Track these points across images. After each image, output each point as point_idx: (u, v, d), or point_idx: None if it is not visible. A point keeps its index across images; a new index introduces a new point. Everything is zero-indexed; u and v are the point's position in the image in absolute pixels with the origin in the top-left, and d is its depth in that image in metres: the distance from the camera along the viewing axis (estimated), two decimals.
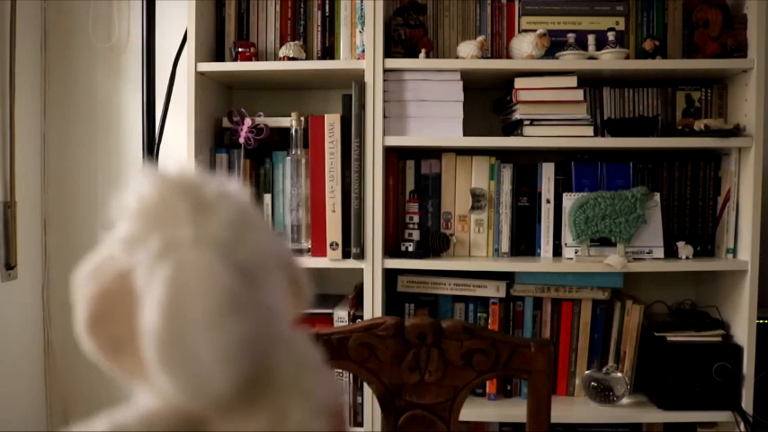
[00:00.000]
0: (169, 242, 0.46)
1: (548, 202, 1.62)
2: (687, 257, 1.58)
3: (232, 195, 0.51)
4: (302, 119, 1.60)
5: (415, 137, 1.55)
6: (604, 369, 1.59)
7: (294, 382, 0.50)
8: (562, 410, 1.53)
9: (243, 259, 0.47)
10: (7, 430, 1.68)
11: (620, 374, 1.58)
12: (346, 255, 1.56)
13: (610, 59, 1.55)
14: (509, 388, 1.66)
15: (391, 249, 1.60)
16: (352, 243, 1.54)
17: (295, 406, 0.49)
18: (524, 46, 1.55)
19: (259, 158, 1.67)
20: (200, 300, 0.44)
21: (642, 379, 1.63)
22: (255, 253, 0.49)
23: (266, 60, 1.67)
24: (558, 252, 1.62)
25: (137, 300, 0.46)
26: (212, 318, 0.44)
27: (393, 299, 1.64)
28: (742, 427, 1.49)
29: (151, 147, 1.63)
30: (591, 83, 1.61)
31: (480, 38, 1.55)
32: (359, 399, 1.59)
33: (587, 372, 1.61)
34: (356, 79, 1.53)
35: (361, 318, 1.54)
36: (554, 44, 1.56)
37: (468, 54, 1.54)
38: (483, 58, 1.55)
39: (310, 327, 1.37)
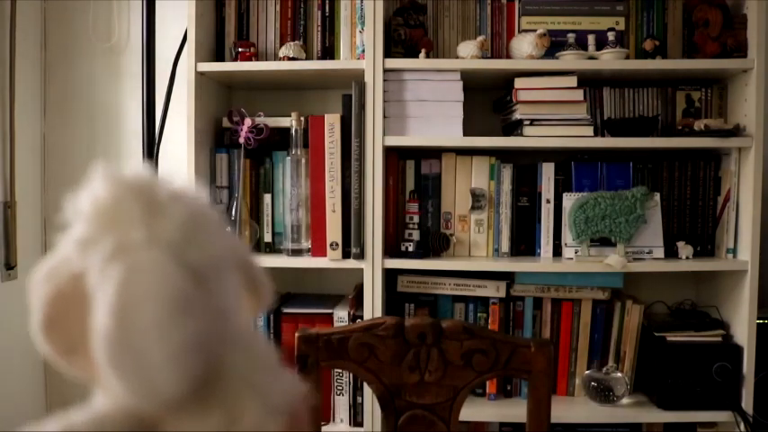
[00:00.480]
0: (121, 244, 0.47)
1: (548, 202, 1.62)
2: (687, 257, 1.58)
3: (186, 197, 0.51)
4: (302, 119, 1.60)
5: (415, 137, 1.55)
6: (604, 369, 1.59)
7: (248, 382, 0.50)
8: (562, 410, 1.53)
9: (195, 260, 0.48)
10: (7, 430, 1.68)
11: (620, 374, 1.58)
12: (346, 255, 1.56)
13: (610, 59, 1.55)
14: (509, 388, 1.66)
15: (391, 249, 1.60)
16: (352, 243, 1.54)
17: (248, 406, 0.49)
18: (524, 46, 1.55)
19: (259, 158, 1.67)
20: (150, 302, 0.45)
21: (642, 379, 1.63)
22: (208, 254, 0.49)
23: (266, 60, 1.67)
24: (558, 252, 1.62)
25: (90, 302, 0.47)
26: (162, 319, 0.45)
27: (393, 299, 1.64)
28: (742, 427, 1.49)
29: (151, 147, 1.62)
30: (591, 83, 1.61)
31: (480, 38, 1.55)
32: (359, 399, 1.59)
33: (587, 372, 1.61)
34: (356, 79, 1.53)
35: (361, 318, 1.54)
36: (554, 44, 1.56)
37: (468, 54, 1.54)
38: (483, 58, 1.55)
39: (310, 327, 1.37)
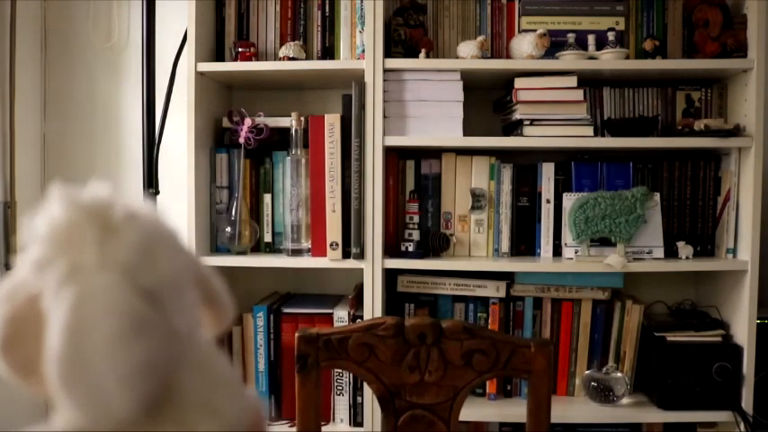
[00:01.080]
0: (74, 266, 0.47)
1: (548, 202, 1.62)
2: (687, 257, 1.58)
3: (142, 218, 0.52)
4: (302, 119, 1.60)
5: (414, 137, 1.55)
6: (604, 369, 1.59)
7: (203, 401, 0.51)
8: (562, 410, 1.53)
9: (148, 281, 0.48)
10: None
11: (620, 374, 1.58)
12: (346, 255, 1.56)
13: (610, 59, 1.55)
14: (509, 388, 1.66)
15: (391, 249, 1.60)
16: (352, 243, 1.54)
17: (203, 425, 0.50)
18: (524, 46, 1.55)
19: (259, 158, 1.67)
20: (101, 324, 0.46)
21: (642, 379, 1.63)
22: (162, 274, 0.50)
23: (266, 60, 1.67)
24: (558, 252, 1.62)
25: (46, 323, 0.47)
26: (113, 341, 0.45)
27: (393, 299, 1.64)
28: (742, 427, 1.49)
29: (151, 147, 1.63)
30: (591, 83, 1.62)
31: (480, 38, 1.55)
32: (359, 399, 1.59)
33: (587, 372, 1.61)
34: (356, 79, 1.53)
35: (361, 318, 1.54)
36: (554, 44, 1.56)
37: (468, 54, 1.54)
38: (483, 58, 1.55)
39: (310, 327, 1.37)
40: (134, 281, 0.48)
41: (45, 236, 0.49)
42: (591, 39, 1.59)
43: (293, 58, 1.59)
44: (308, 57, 1.66)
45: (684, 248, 1.59)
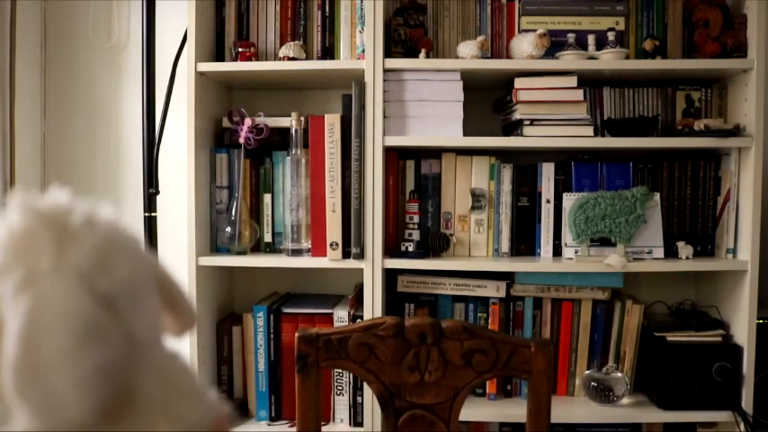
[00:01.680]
0: (30, 273, 0.48)
1: (548, 202, 1.62)
2: (687, 257, 1.58)
3: (100, 224, 0.52)
4: (302, 119, 1.60)
5: (415, 137, 1.55)
6: (604, 369, 1.59)
7: (163, 405, 0.51)
8: (562, 410, 1.53)
9: (105, 287, 0.49)
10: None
11: (620, 374, 1.58)
12: (346, 255, 1.56)
13: (610, 59, 1.55)
14: (509, 388, 1.66)
15: (391, 249, 1.60)
16: (352, 243, 1.54)
17: (162, 429, 0.50)
18: (524, 46, 1.55)
19: (259, 158, 1.67)
20: (56, 330, 0.46)
21: (642, 379, 1.63)
22: (120, 280, 0.50)
23: (266, 60, 1.67)
24: (558, 252, 1.62)
25: (2, 330, 0.48)
26: (67, 348, 0.46)
27: (393, 299, 1.64)
28: (742, 427, 1.49)
29: (151, 147, 1.63)
30: (591, 83, 1.61)
31: (480, 38, 1.55)
32: (359, 399, 1.59)
33: (587, 372, 1.61)
34: (356, 79, 1.53)
35: (361, 318, 1.54)
36: (554, 44, 1.56)
37: (468, 54, 1.54)
38: (483, 58, 1.55)
39: (310, 327, 1.37)
40: (90, 287, 0.48)
41: (2, 243, 0.49)
42: (591, 39, 1.59)
43: (293, 58, 1.59)
44: (308, 57, 1.66)
45: (684, 248, 1.59)
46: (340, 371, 1.60)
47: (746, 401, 1.51)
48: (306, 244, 1.61)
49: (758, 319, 1.52)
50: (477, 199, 1.62)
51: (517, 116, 1.56)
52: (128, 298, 0.50)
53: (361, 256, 1.54)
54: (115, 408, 0.49)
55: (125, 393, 0.50)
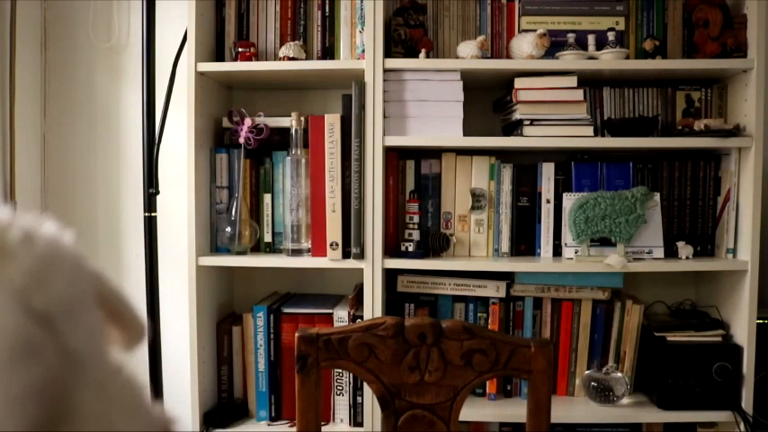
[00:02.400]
0: None
1: (548, 202, 1.62)
2: (687, 257, 1.58)
3: (39, 240, 0.51)
4: (302, 119, 1.60)
5: (415, 137, 1.55)
6: (604, 369, 1.59)
7: (102, 423, 0.51)
8: (562, 410, 1.53)
9: (41, 304, 0.48)
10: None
11: (620, 374, 1.58)
12: (346, 255, 1.56)
13: (610, 59, 1.55)
14: (509, 388, 1.66)
15: (391, 249, 1.60)
16: (352, 243, 1.54)
17: None
18: (524, 46, 1.55)
19: (259, 158, 1.67)
20: None
21: (642, 379, 1.63)
22: (58, 297, 0.50)
23: (266, 60, 1.67)
24: (558, 252, 1.62)
25: None
26: (0, 365, 0.46)
27: (393, 299, 1.64)
28: (742, 427, 1.49)
29: (151, 147, 1.63)
30: (591, 83, 1.61)
31: (480, 38, 1.55)
32: (359, 399, 1.59)
33: (587, 372, 1.61)
34: (356, 79, 1.53)
35: (361, 318, 1.54)
36: (554, 44, 1.56)
37: (468, 54, 1.54)
38: (483, 58, 1.55)
39: (310, 327, 1.37)
40: (26, 304, 0.47)
41: None
42: (591, 39, 1.59)
43: (293, 58, 1.59)
44: (308, 57, 1.66)
45: (684, 248, 1.59)
46: (340, 371, 1.60)
47: (746, 401, 1.51)
48: (306, 244, 1.61)
49: (758, 319, 1.52)
50: (477, 199, 1.62)
51: (517, 116, 1.56)
52: (66, 314, 0.50)
53: (361, 256, 1.54)
54: (51, 427, 0.49)
55: (63, 411, 0.49)
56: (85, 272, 0.54)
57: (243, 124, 1.61)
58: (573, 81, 1.55)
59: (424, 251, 1.58)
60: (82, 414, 0.50)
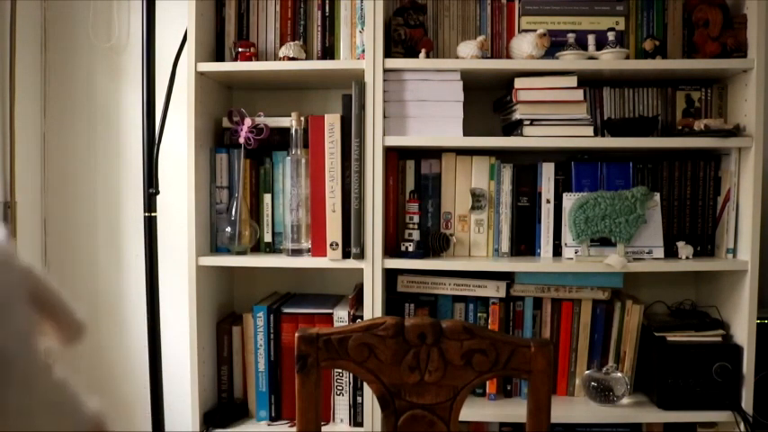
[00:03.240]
0: None
1: (548, 202, 1.62)
2: (687, 257, 1.58)
3: None
4: (302, 119, 1.60)
5: (415, 137, 1.55)
6: (604, 369, 1.59)
7: (30, 422, 0.50)
8: (562, 410, 1.53)
9: None
10: None
11: (620, 374, 1.58)
12: (346, 255, 1.56)
13: (610, 59, 1.55)
14: (509, 388, 1.66)
15: (391, 249, 1.60)
16: (352, 243, 1.54)
17: None
18: (524, 46, 1.55)
19: (259, 158, 1.67)
20: None
21: (642, 379, 1.63)
22: None
23: (266, 60, 1.67)
24: (558, 252, 1.62)
25: None
26: None
27: (393, 299, 1.64)
28: (742, 427, 1.49)
29: (151, 147, 1.63)
30: (591, 83, 1.61)
31: (480, 38, 1.55)
32: (359, 399, 1.59)
33: (587, 372, 1.61)
34: (356, 79, 1.53)
35: (361, 318, 1.54)
36: (554, 44, 1.56)
37: (468, 54, 1.54)
38: (483, 58, 1.55)
39: (310, 327, 1.37)
40: None
41: None
42: (591, 39, 1.59)
43: (293, 58, 1.59)
44: (308, 57, 1.66)
45: (684, 248, 1.59)
46: (340, 371, 1.60)
47: (746, 401, 1.51)
48: (306, 244, 1.61)
49: (758, 319, 1.52)
50: (477, 199, 1.62)
51: (517, 116, 1.56)
52: None
53: (361, 256, 1.54)
54: None
55: None
56: (14, 268, 0.54)
57: (243, 124, 1.61)
58: (573, 81, 1.55)
59: (424, 251, 1.58)
60: (7, 412, 0.50)
